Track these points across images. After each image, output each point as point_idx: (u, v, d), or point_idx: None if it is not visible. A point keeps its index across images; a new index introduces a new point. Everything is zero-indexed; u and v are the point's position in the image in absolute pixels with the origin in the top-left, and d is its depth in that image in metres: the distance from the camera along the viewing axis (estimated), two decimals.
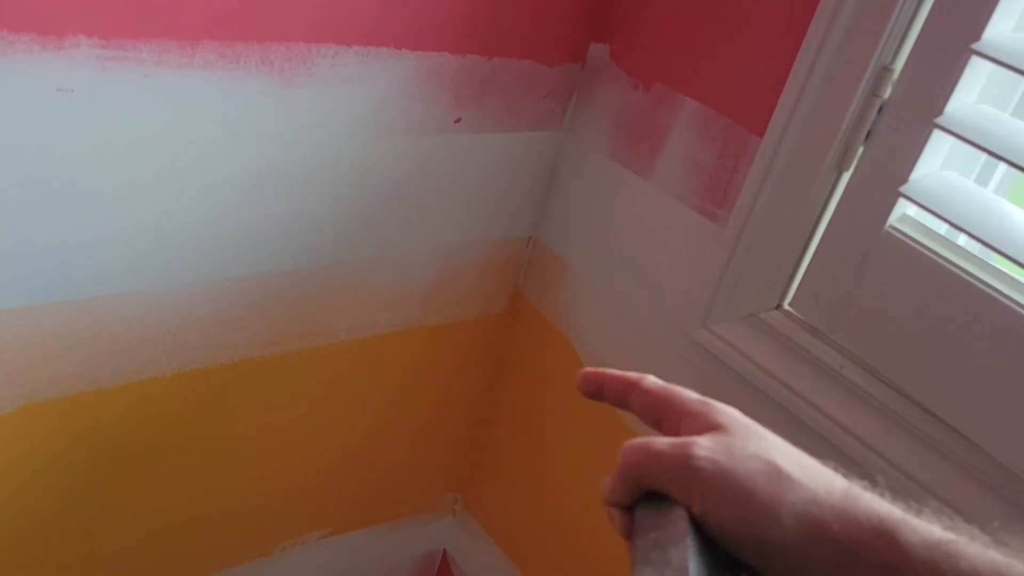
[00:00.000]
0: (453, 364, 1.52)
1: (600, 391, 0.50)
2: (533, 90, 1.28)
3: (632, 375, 0.48)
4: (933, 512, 0.41)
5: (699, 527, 0.41)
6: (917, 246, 0.97)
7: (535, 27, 1.22)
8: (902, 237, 0.98)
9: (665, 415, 0.46)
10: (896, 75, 0.97)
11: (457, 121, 1.23)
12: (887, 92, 0.98)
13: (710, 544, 0.41)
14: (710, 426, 0.44)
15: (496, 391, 1.61)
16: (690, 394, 0.47)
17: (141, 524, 1.32)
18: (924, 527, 0.39)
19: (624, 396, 0.48)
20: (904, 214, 1.01)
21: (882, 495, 0.42)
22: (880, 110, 0.99)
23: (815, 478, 0.41)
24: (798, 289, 1.10)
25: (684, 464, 0.41)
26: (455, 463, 1.69)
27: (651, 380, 0.48)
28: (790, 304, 1.12)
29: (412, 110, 1.17)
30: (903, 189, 0.97)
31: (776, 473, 0.41)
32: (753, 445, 0.42)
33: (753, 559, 0.41)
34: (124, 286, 1.08)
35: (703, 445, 0.42)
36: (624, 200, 1.30)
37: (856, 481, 0.43)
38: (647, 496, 0.43)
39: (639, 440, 0.44)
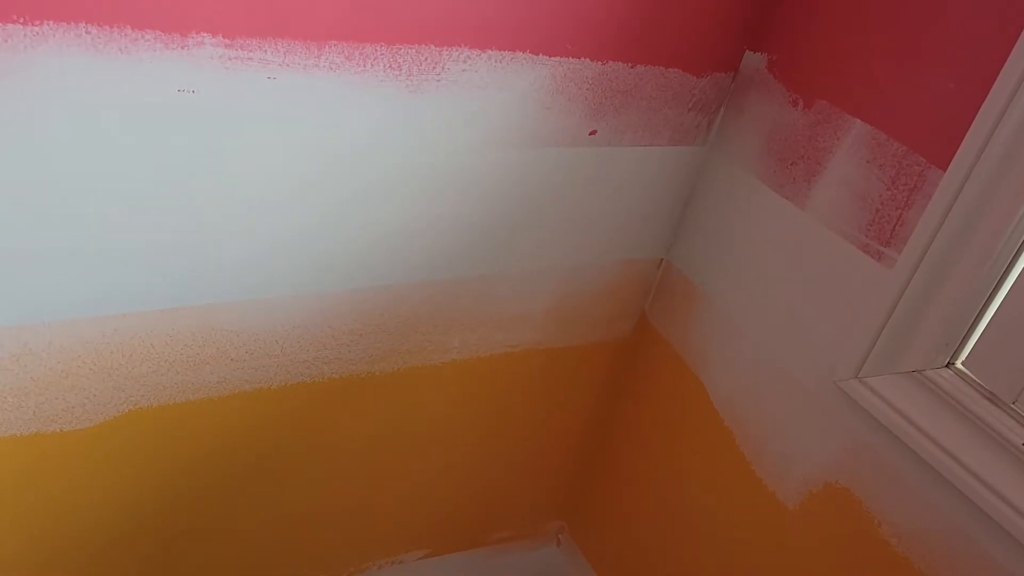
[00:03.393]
0: (569, 389, 1.43)
1: None
2: (678, 101, 1.17)
3: None
4: None
5: None
6: None
7: (685, 33, 1.11)
8: None
9: None
10: None
11: (592, 133, 1.13)
12: None
13: None
14: None
15: (612, 419, 1.51)
16: None
17: (235, 534, 1.28)
18: None
19: None
20: None
21: None
22: None
23: None
24: (975, 348, 0.96)
25: None
26: (563, 490, 1.60)
27: None
28: (964, 363, 0.98)
29: (545, 120, 1.08)
30: None
31: None
32: None
33: None
34: (236, 295, 1.03)
35: None
36: (772, 228, 1.17)
37: None
38: None
39: None
